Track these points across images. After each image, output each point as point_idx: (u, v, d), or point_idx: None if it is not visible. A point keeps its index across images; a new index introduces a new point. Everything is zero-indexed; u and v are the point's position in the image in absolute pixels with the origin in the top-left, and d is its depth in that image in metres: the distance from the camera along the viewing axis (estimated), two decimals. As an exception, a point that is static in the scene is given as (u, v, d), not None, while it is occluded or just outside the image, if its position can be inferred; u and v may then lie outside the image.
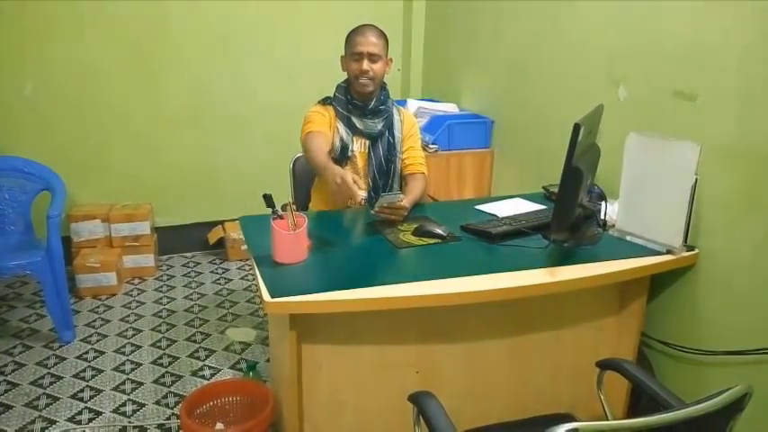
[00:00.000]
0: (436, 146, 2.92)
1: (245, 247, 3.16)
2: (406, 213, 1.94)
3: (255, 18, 3.39)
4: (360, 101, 2.15)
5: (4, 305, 2.98)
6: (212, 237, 3.59)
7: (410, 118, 2.31)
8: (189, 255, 3.63)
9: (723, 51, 1.71)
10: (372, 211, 1.88)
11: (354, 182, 1.77)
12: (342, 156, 2.16)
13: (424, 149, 2.85)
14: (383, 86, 2.19)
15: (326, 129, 2.15)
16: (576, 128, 1.53)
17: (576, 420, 1.48)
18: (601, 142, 1.92)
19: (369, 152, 2.18)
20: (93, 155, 3.30)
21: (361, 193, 1.76)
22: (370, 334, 1.68)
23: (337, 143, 2.14)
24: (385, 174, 2.20)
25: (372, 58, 2.08)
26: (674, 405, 1.27)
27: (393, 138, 2.19)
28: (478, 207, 2.12)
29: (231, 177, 3.56)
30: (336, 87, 2.20)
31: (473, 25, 3.13)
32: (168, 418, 2.20)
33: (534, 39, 2.62)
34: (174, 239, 3.55)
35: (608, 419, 1.49)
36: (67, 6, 3.07)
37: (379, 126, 2.17)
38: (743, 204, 1.68)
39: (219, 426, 2.02)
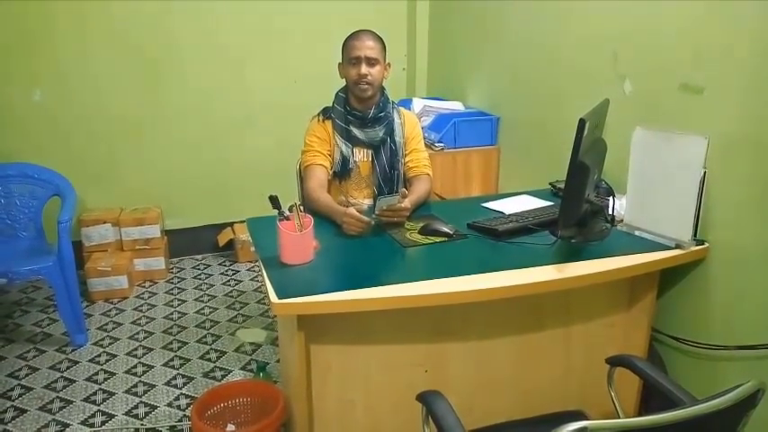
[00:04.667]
0: (442, 144, 2.92)
1: (254, 248, 3.18)
2: (407, 214, 1.93)
3: (260, 22, 3.40)
4: (359, 110, 2.13)
5: (17, 310, 3.02)
6: (222, 239, 3.60)
7: (411, 119, 2.28)
8: (199, 257, 3.65)
9: (729, 43, 1.69)
10: (374, 215, 1.88)
11: (359, 211, 1.83)
12: (343, 169, 2.16)
13: (431, 148, 2.86)
14: (382, 91, 2.17)
15: (326, 151, 2.15)
16: (582, 123, 1.53)
17: (587, 418, 1.47)
18: (607, 137, 1.91)
19: (372, 160, 2.17)
20: (103, 160, 3.33)
21: (371, 219, 1.84)
22: (378, 334, 1.68)
23: (337, 157, 2.14)
24: (389, 180, 2.19)
25: (370, 61, 2.06)
26: (685, 402, 1.26)
27: (395, 144, 2.18)
28: (485, 204, 2.11)
29: (240, 179, 3.57)
30: (335, 97, 2.19)
31: (477, 22, 3.12)
32: (180, 420, 2.22)
33: (539, 34, 2.61)
34: (184, 242, 3.57)
35: (619, 417, 1.48)
36: (75, 14, 3.09)
37: (381, 134, 2.15)
38: (752, 197, 1.66)
39: (231, 427, 2.03)
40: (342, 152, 2.14)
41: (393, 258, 1.74)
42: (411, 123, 2.26)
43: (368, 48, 2.06)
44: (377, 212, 1.87)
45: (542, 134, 2.65)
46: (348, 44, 2.10)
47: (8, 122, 3.12)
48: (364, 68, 2.06)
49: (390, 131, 2.17)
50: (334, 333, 1.64)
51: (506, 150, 2.96)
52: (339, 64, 2.15)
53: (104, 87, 3.24)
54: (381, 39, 2.11)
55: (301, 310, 1.49)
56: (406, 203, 1.89)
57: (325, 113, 2.18)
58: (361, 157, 2.18)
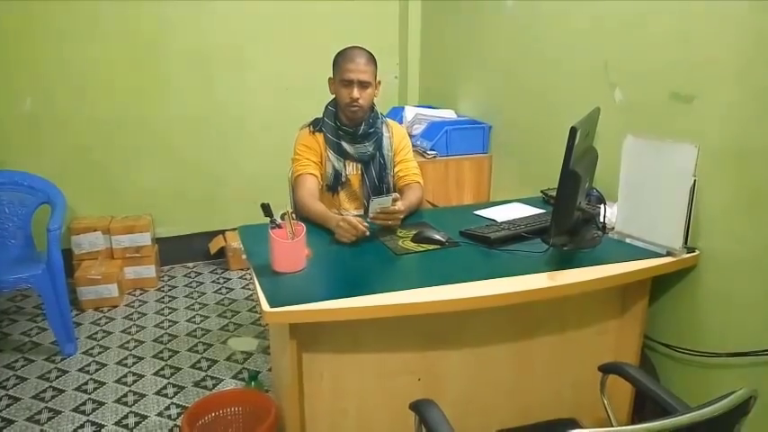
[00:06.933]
0: (434, 152, 2.92)
1: (246, 256, 3.17)
2: (401, 217, 1.93)
3: (250, 27, 3.40)
4: (349, 126, 2.14)
5: (5, 319, 2.98)
6: (213, 246, 3.59)
7: (399, 131, 2.29)
8: (190, 265, 3.63)
9: (719, 52, 1.70)
10: (368, 219, 1.88)
11: (357, 220, 1.81)
12: (336, 183, 2.16)
13: (423, 156, 2.88)
14: (372, 107, 2.17)
15: (316, 162, 2.14)
16: (573, 131, 1.53)
17: (580, 426, 1.46)
18: (598, 145, 1.92)
19: (362, 174, 2.18)
20: (93, 167, 3.31)
21: (366, 227, 1.81)
22: (370, 342, 1.67)
23: (330, 171, 2.14)
24: (379, 192, 2.18)
25: (362, 84, 2.05)
26: (678, 409, 1.26)
27: (384, 158, 2.19)
28: (477, 212, 2.12)
29: (231, 187, 3.56)
30: (325, 110, 2.18)
31: (469, 31, 3.14)
32: (171, 430, 2.19)
33: (530, 43, 2.63)
34: (175, 250, 3.55)
35: (612, 424, 1.48)
36: (67, 22, 3.08)
37: (370, 149, 2.16)
38: (743, 204, 1.68)
39: (222, 437, 2.01)
40: (334, 166, 2.14)
41: (385, 266, 1.73)
42: (399, 135, 2.26)
43: (361, 71, 2.04)
44: (370, 216, 1.87)
45: (534, 142, 2.67)
46: (341, 65, 2.08)
47: (-2, 130, 3.10)
48: (356, 92, 2.05)
49: (379, 146, 2.18)
50: (327, 341, 1.63)
51: (498, 158, 2.97)
52: (330, 79, 2.14)
53: (95, 95, 3.22)
54: (373, 57, 2.10)
55: (293, 319, 1.48)
56: (399, 206, 1.89)
57: (316, 125, 2.18)
58: (351, 170, 2.19)
